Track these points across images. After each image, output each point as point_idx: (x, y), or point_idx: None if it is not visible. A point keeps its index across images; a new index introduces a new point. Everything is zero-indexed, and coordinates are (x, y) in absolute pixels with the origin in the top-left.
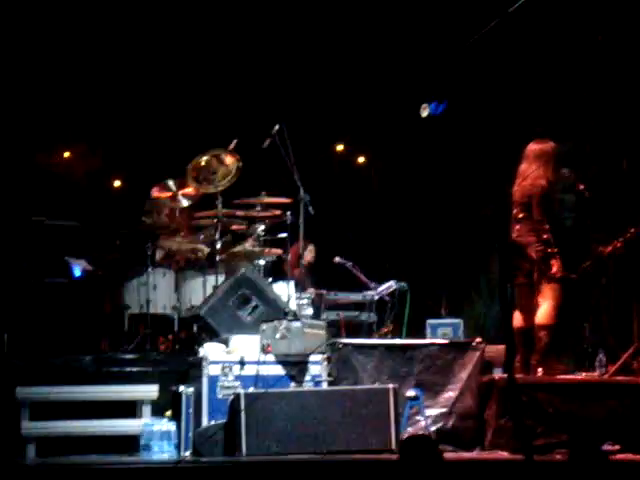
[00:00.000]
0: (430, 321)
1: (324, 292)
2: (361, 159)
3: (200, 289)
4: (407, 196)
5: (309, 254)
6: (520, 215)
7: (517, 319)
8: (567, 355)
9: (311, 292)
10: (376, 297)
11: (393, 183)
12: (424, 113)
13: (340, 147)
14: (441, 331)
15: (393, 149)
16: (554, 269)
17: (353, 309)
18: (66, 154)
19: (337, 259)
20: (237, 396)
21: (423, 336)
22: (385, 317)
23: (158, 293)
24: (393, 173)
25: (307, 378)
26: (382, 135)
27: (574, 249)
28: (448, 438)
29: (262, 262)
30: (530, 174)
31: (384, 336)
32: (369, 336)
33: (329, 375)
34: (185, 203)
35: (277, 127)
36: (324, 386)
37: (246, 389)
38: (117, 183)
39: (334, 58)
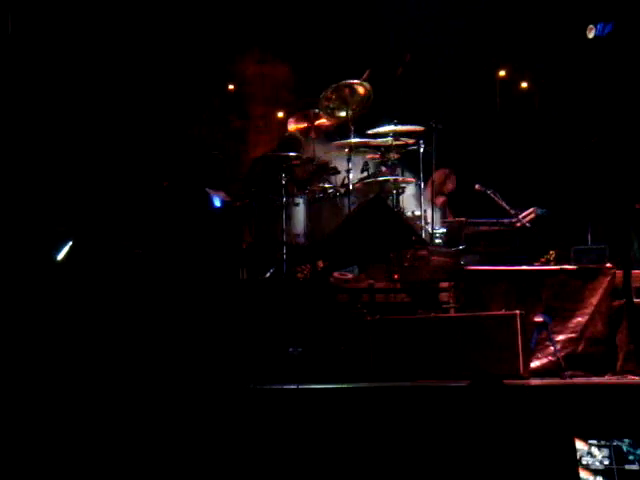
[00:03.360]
0: (575, 247)
1: (465, 219)
2: (524, 84)
3: (334, 218)
4: (560, 122)
5: (450, 183)
6: None
7: None
8: None
9: (451, 220)
10: (518, 224)
11: (549, 108)
12: (590, 34)
13: (502, 72)
14: (586, 257)
15: (556, 72)
16: None
17: (495, 236)
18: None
19: (477, 186)
20: (366, 323)
21: (568, 263)
22: (528, 244)
23: (293, 223)
24: (550, 97)
25: (435, 305)
26: (546, 58)
27: None
28: (578, 363)
29: (395, 190)
30: None
31: (547, 262)
32: (512, 263)
33: (457, 302)
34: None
35: (409, 56)
36: (452, 313)
37: (374, 316)
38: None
39: None
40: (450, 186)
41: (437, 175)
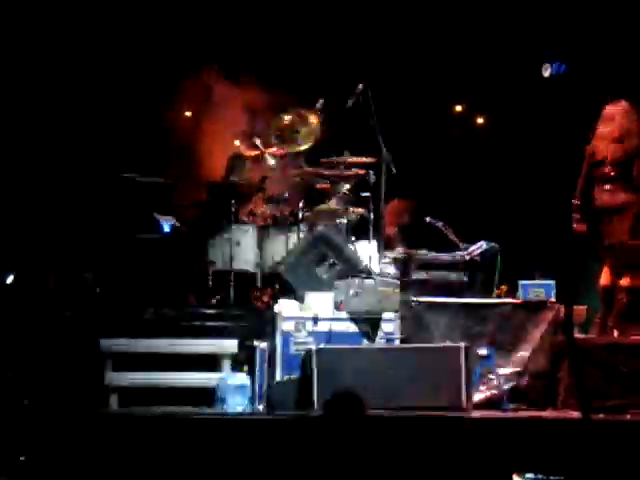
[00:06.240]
0: (522, 282)
1: (414, 251)
2: (480, 120)
3: (283, 246)
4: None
5: (407, 215)
6: (612, 173)
7: (604, 278)
8: None
9: (398, 252)
10: (467, 257)
11: (504, 144)
12: (546, 73)
13: (458, 107)
14: (533, 292)
15: (511, 109)
16: None
17: (443, 269)
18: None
19: (428, 219)
20: (309, 352)
21: (515, 297)
22: (476, 278)
23: (241, 250)
24: (505, 133)
25: (379, 335)
26: (499, 96)
27: None
28: (521, 397)
29: (344, 220)
30: (620, 134)
31: (498, 297)
32: (460, 296)
33: (401, 333)
34: (271, 162)
35: (361, 86)
36: (396, 343)
37: (319, 345)
38: None
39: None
40: (407, 218)
41: (394, 205)
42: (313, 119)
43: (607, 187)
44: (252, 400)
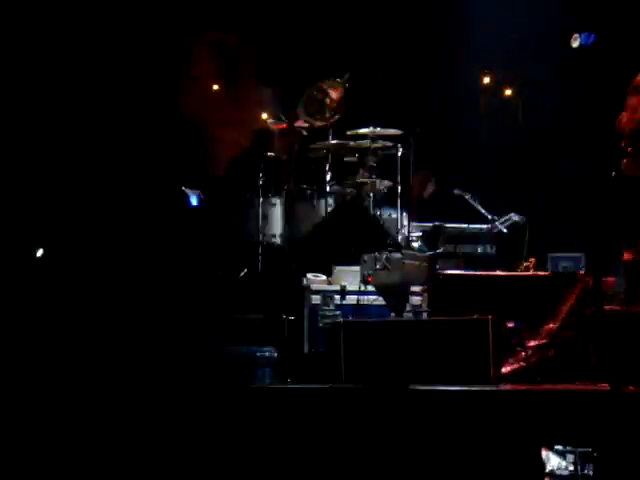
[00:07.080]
0: (551, 254)
1: (442, 224)
2: (508, 92)
3: (310, 220)
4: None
5: (430, 186)
6: (629, 149)
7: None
8: None
9: (428, 224)
10: (495, 230)
11: (532, 116)
12: (575, 43)
13: (486, 79)
14: (562, 265)
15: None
16: None
17: (472, 241)
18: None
19: (456, 190)
20: (337, 325)
21: (544, 269)
22: (504, 250)
23: (269, 223)
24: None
25: (407, 309)
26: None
27: None
28: (549, 370)
29: (372, 193)
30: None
31: (525, 269)
32: (488, 269)
33: (430, 306)
34: (303, 133)
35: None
36: (424, 317)
37: (346, 318)
38: None
39: None
40: (430, 189)
41: (417, 178)
42: (339, 93)
43: (624, 161)
44: (279, 373)
